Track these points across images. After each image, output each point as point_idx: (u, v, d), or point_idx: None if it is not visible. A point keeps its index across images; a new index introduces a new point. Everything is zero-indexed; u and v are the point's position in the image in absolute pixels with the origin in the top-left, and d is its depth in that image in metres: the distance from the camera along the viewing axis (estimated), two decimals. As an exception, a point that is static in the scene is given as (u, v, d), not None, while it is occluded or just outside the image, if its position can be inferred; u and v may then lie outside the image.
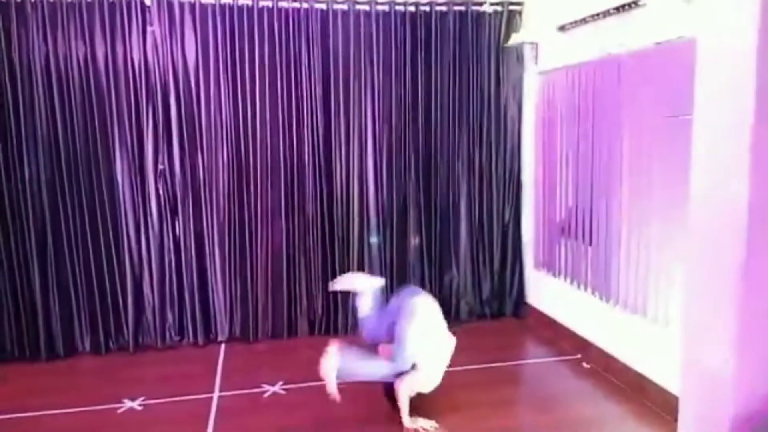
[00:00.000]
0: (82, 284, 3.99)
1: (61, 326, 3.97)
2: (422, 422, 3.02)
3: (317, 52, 4.11)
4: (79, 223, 3.94)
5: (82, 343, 4.04)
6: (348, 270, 4.29)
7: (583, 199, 3.70)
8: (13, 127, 3.78)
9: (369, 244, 4.38)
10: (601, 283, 3.55)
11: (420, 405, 3.10)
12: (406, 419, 2.99)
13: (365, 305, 3.34)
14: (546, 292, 4.34)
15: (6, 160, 3.81)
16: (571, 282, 3.89)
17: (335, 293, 4.26)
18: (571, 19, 3.69)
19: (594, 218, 3.59)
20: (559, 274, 4.03)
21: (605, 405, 3.25)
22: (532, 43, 4.26)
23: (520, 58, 4.40)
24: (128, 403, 3.32)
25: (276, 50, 4.05)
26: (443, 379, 3.14)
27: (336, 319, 4.33)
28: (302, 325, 4.29)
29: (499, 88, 4.40)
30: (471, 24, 4.29)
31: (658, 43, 2.98)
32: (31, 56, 3.76)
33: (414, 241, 4.44)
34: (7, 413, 3.25)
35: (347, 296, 4.27)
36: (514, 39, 4.24)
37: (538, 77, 4.23)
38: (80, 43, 3.82)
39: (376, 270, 4.38)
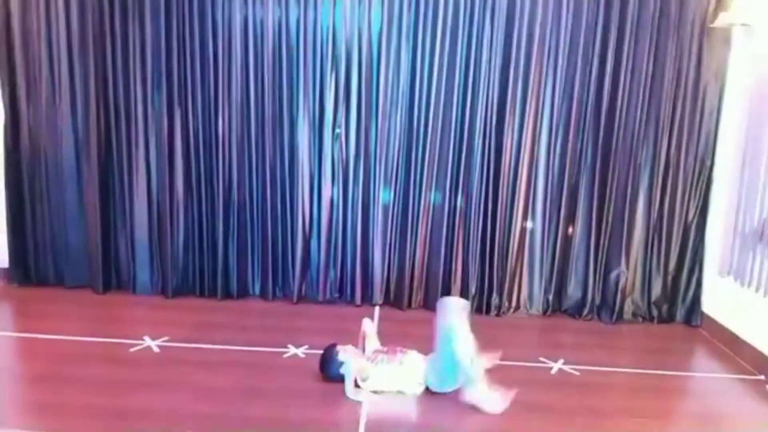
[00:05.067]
0: (258, 235, 4.30)
1: (236, 270, 4.33)
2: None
3: (501, 25, 3.98)
4: (261, 180, 4.22)
5: (253, 287, 4.39)
6: (508, 251, 4.21)
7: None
8: (212, 86, 4.11)
9: (529, 230, 4.23)
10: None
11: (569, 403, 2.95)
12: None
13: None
14: (729, 301, 3.91)
15: (204, 117, 4.15)
16: (765, 295, 3.47)
17: (491, 274, 4.22)
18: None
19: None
20: (750, 284, 3.61)
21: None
22: (744, 24, 3.78)
23: (727, 41, 3.93)
24: (293, 350, 3.53)
25: (459, 21, 3.98)
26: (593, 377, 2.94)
27: (489, 299, 4.26)
28: (455, 300, 4.28)
29: (699, 73, 3.97)
30: (674, 0, 3.90)
31: None
32: (233, 18, 4.03)
33: (570, 230, 4.22)
34: (184, 342, 3.60)
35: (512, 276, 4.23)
36: (723, 19, 3.78)
37: (750, 63, 3.75)
38: (276, 6, 4.02)
39: (536, 258, 4.25)
